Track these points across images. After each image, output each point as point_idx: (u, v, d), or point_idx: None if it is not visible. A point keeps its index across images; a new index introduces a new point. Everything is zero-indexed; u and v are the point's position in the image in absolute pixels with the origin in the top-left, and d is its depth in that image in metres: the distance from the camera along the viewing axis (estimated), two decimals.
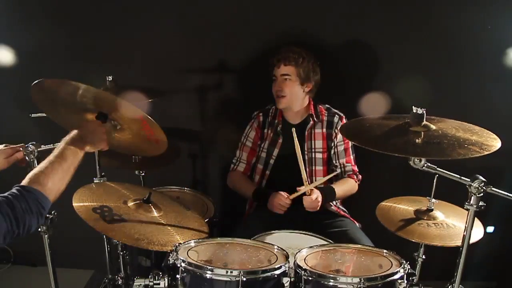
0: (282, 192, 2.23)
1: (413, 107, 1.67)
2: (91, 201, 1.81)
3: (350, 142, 2.39)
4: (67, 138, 1.57)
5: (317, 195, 2.20)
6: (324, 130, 2.40)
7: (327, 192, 2.30)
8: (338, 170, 2.41)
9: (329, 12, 2.66)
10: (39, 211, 1.33)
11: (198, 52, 2.74)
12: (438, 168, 1.63)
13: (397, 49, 2.69)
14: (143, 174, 2.53)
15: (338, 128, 2.37)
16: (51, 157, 1.48)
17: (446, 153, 1.53)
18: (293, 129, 2.21)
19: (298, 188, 2.20)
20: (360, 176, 2.45)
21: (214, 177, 2.95)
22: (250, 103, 2.66)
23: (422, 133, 1.63)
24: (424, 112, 1.66)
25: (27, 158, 1.80)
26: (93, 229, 1.69)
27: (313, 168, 2.39)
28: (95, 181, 2.04)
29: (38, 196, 1.34)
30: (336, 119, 2.41)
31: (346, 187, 2.39)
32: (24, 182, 1.36)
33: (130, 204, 1.88)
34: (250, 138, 2.47)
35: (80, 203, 1.77)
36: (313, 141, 2.39)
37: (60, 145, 1.53)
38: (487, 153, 1.53)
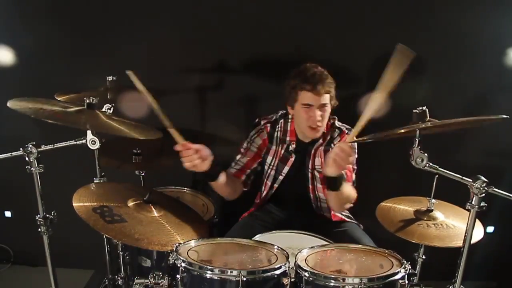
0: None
1: (413, 111, 1.68)
2: (91, 201, 1.81)
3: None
4: None
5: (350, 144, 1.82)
6: (324, 147, 2.22)
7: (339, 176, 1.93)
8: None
9: (329, 12, 2.66)
10: None
11: (198, 52, 2.74)
12: (439, 168, 1.62)
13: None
14: (143, 174, 2.53)
15: (335, 143, 2.17)
16: None
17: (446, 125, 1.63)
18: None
19: None
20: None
21: None
22: (250, 103, 2.66)
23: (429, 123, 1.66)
24: (426, 108, 1.67)
25: (27, 158, 1.80)
26: (93, 229, 1.69)
27: (315, 185, 2.26)
28: (95, 181, 2.04)
29: None
30: (335, 134, 2.21)
31: (349, 187, 2.10)
32: None
33: (130, 204, 1.88)
34: (256, 144, 2.28)
35: (80, 203, 1.77)
36: (316, 158, 2.24)
37: None
38: (487, 120, 1.52)
